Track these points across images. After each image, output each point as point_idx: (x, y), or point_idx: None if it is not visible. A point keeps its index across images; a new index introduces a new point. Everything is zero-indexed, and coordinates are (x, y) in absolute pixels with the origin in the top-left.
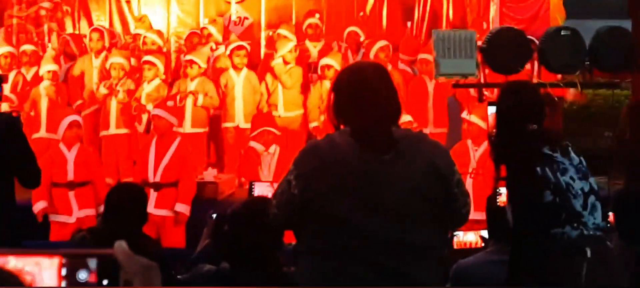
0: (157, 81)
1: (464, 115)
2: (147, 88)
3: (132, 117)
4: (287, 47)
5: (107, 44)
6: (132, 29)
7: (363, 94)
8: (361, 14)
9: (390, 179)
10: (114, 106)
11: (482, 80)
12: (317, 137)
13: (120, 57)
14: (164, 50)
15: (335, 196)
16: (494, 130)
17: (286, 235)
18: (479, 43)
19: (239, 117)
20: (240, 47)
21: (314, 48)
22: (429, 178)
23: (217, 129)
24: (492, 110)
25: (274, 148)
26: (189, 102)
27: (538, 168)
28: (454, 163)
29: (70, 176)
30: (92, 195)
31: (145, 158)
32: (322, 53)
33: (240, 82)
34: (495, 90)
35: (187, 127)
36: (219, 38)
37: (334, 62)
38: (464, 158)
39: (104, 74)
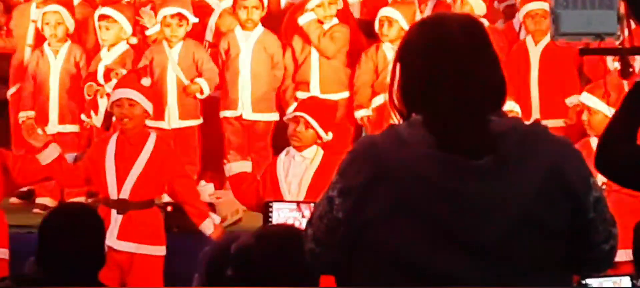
0: (122, 47)
1: (589, 98)
2: (106, 57)
3: (82, 105)
4: None
5: None
6: None
7: (445, 64)
8: None
9: (486, 199)
10: (54, 87)
11: (626, 44)
12: (368, 131)
13: (57, 4)
14: None
15: (401, 224)
16: None
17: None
18: None
19: (245, 101)
20: None
21: None
22: (549, 197)
23: (212, 120)
24: None
25: (313, 152)
26: (172, 77)
27: None
28: (590, 173)
29: None
30: (4, 224)
31: (101, 164)
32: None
33: (249, 48)
34: None
35: (173, 119)
36: None
37: (398, 15)
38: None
39: (42, 34)
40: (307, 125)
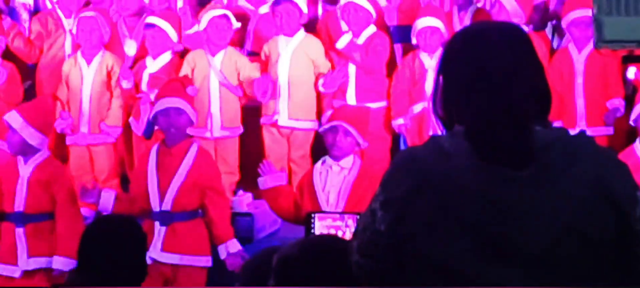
0: (167, 56)
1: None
2: (151, 66)
3: (122, 113)
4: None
5: None
6: None
7: (488, 74)
8: None
9: (530, 209)
10: (86, 97)
11: None
12: (407, 142)
13: (92, 12)
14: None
15: (443, 235)
16: None
17: None
18: None
19: (282, 107)
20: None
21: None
22: (593, 208)
23: (251, 129)
24: None
25: (350, 161)
26: (215, 85)
27: None
28: (637, 185)
29: (20, 204)
30: (50, 235)
31: (143, 175)
32: (406, 9)
33: (288, 52)
34: None
35: (216, 129)
36: None
37: (439, 23)
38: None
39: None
40: (347, 133)
